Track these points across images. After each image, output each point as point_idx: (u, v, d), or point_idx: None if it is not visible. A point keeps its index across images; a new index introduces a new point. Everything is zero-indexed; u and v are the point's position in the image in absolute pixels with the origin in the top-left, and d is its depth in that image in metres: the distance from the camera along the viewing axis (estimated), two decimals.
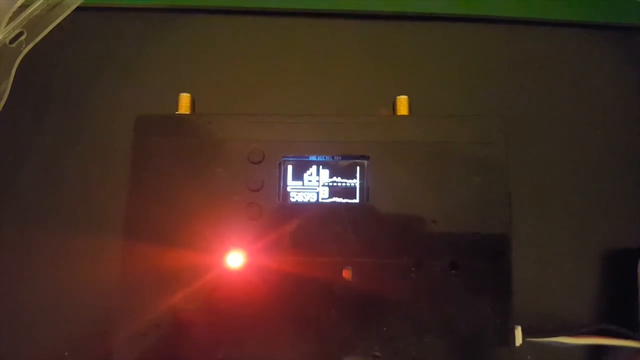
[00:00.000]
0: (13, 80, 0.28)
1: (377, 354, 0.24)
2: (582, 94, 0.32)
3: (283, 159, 0.27)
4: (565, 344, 0.27)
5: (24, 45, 0.28)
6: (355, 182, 0.27)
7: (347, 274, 0.25)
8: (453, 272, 0.25)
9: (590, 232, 0.30)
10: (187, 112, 0.28)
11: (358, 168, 0.27)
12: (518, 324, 0.26)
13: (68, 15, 0.28)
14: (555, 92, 0.32)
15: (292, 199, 0.27)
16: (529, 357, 0.29)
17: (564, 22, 0.33)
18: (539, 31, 0.33)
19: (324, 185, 0.27)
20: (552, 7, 0.32)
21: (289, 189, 0.27)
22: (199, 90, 0.28)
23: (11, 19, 0.28)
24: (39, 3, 0.28)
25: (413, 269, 0.25)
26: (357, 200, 0.26)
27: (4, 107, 0.28)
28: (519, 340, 0.25)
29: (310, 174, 0.27)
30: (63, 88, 0.31)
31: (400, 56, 0.32)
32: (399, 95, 0.28)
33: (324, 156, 0.27)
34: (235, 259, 0.25)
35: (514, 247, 0.26)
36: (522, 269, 0.28)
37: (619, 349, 0.28)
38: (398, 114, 0.28)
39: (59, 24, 0.28)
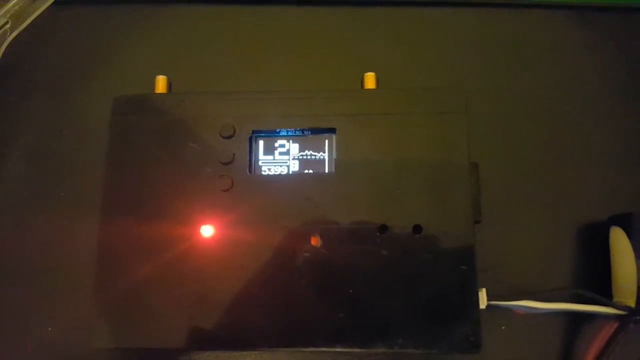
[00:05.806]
0: None
1: (343, 315, 0.25)
2: (553, 67, 0.32)
3: (253, 133, 0.28)
4: (537, 309, 0.27)
5: (8, 34, 0.29)
6: (324, 154, 0.28)
7: (315, 241, 0.26)
8: (417, 235, 0.26)
9: (561, 203, 0.30)
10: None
11: (326, 141, 0.28)
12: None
13: (50, 6, 0.30)
14: (524, 67, 0.33)
15: (262, 172, 0.27)
16: (503, 327, 0.29)
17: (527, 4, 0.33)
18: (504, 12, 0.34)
19: (294, 159, 0.28)
20: None
21: (260, 162, 0.28)
22: (176, 75, 0.29)
23: None
24: None
25: (378, 233, 0.26)
26: (325, 171, 0.27)
27: None
28: (483, 302, 0.26)
29: (280, 148, 0.28)
30: (46, 74, 0.33)
31: (368, 39, 0.33)
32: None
33: (293, 130, 0.28)
34: (208, 229, 0.26)
35: (486, 218, 0.27)
36: (494, 242, 0.29)
37: (593, 318, 0.28)
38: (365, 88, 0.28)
39: (41, 14, 0.30)
